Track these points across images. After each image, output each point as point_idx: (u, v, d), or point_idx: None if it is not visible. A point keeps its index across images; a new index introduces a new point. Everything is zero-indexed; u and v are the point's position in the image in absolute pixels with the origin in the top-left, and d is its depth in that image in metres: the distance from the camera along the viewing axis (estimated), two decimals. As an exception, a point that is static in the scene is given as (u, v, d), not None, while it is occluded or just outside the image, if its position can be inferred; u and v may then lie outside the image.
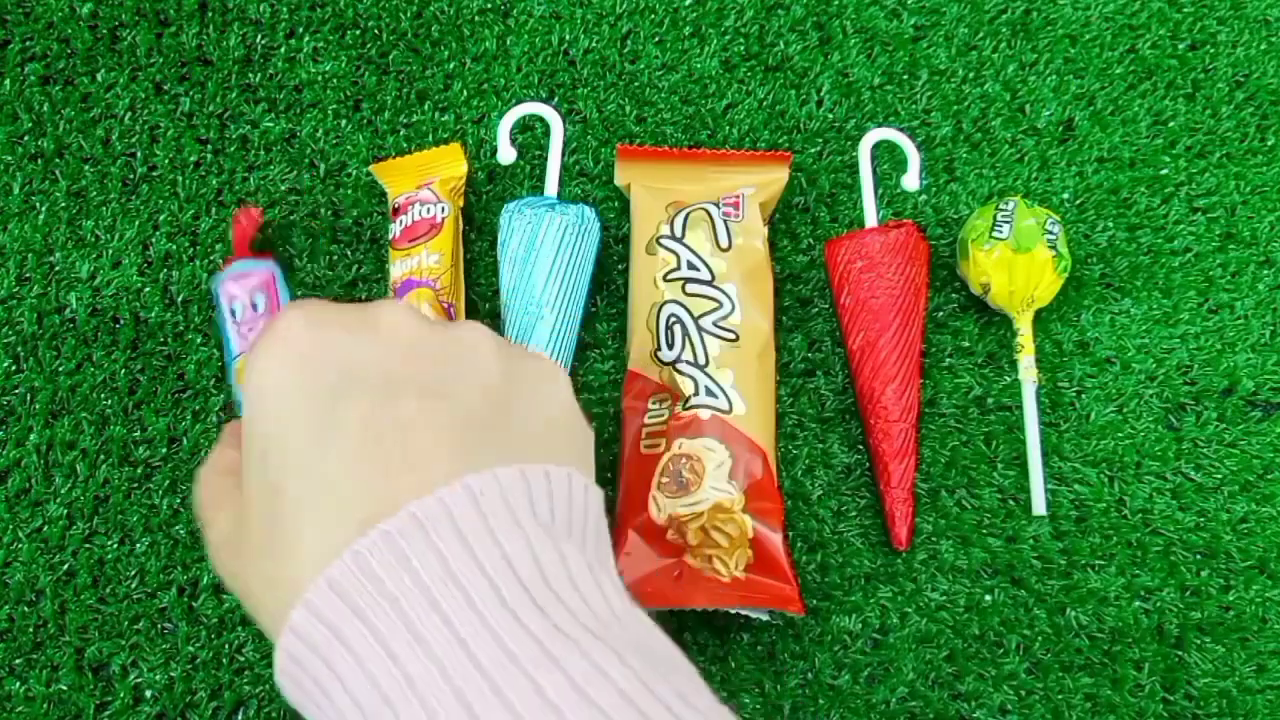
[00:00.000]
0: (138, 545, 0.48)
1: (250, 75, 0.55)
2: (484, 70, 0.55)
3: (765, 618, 0.46)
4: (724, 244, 0.49)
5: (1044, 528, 0.49)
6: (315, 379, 0.26)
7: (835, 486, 0.50)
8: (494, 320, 0.52)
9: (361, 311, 0.29)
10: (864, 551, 0.49)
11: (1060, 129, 0.56)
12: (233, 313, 0.47)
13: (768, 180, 0.51)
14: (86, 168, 0.53)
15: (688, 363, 0.47)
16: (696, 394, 0.47)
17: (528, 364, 0.30)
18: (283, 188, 0.53)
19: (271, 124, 0.54)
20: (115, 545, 0.48)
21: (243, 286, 0.48)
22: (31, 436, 0.50)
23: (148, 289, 0.52)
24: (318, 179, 0.54)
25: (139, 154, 0.54)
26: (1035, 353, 0.51)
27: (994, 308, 0.51)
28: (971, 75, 0.56)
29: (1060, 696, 0.47)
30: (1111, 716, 0.47)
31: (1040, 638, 0.48)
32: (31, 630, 0.47)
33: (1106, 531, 0.49)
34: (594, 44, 0.56)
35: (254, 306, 0.47)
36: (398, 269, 0.50)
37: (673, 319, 0.48)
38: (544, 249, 0.49)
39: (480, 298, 0.52)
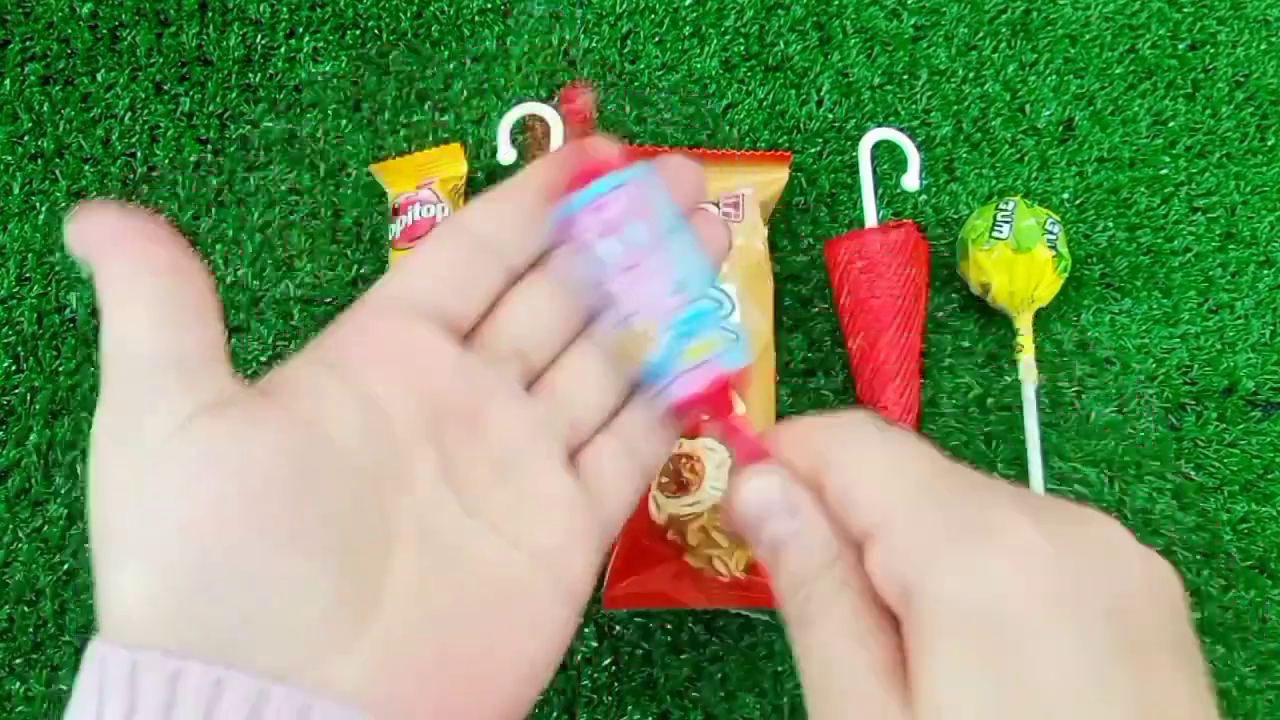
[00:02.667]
0: (138, 545, 0.48)
1: (250, 75, 0.55)
2: (484, 70, 0.55)
3: (765, 618, 0.46)
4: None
5: (1044, 528, 0.49)
6: (1084, 616, 0.19)
7: (835, 486, 0.50)
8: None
9: (1085, 524, 0.21)
10: (864, 551, 0.49)
11: (1060, 129, 0.56)
12: (603, 263, 0.25)
13: (768, 180, 0.51)
14: (86, 168, 0.53)
15: (688, 363, 0.47)
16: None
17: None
18: (283, 188, 0.53)
19: (271, 124, 0.54)
20: (115, 545, 0.48)
21: (605, 217, 0.25)
22: (31, 436, 0.50)
23: (148, 289, 0.52)
24: (318, 179, 0.54)
25: (139, 154, 0.54)
26: (1035, 353, 0.51)
27: (994, 308, 0.51)
28: (971, 75, 0.56)
29: (1060, 696, 0.47)
30: (1111, 716, 0.47)
31: (1040, 638, 0.48)
32: (31, 630, 0.47)
33: (1106, 531, 0.49)
34: (594, 44, 0.56)
35: (631, 241, 0.25)
36: (398, 269, 0.50)
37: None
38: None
39: (480, 298, 0.52)
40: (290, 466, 0.21)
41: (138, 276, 0.22)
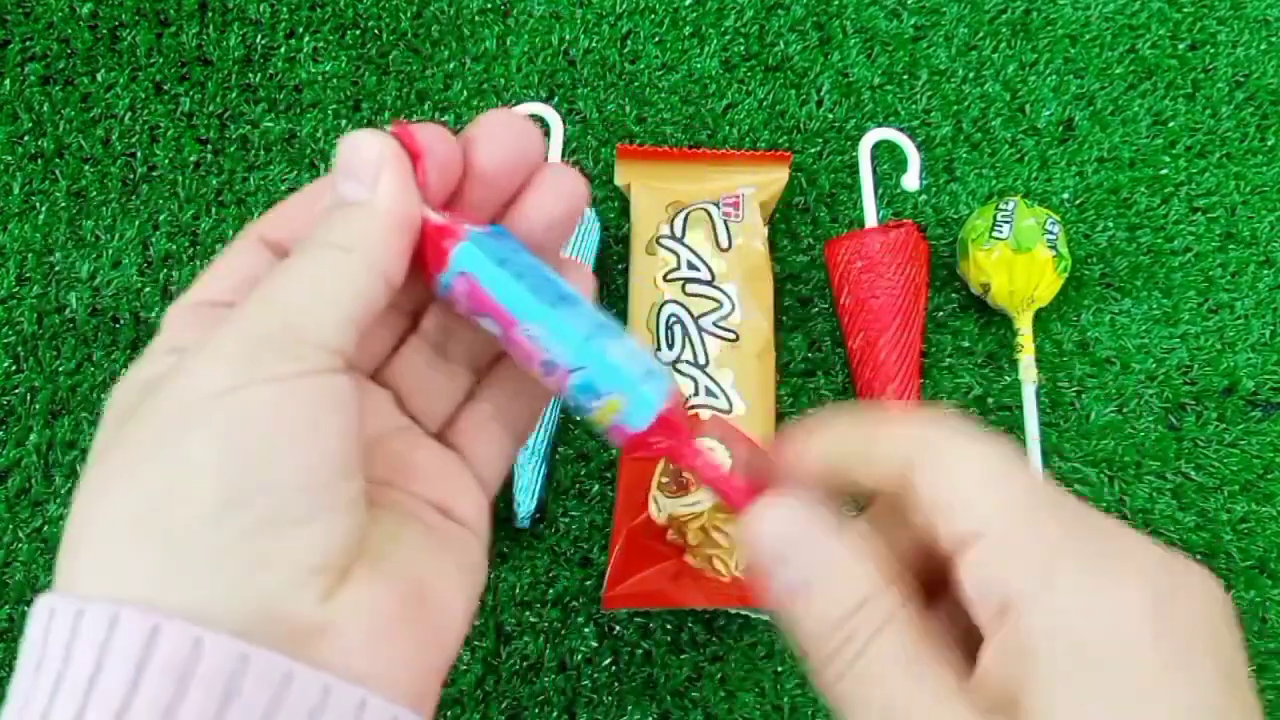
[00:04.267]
0: (138, 545, 0.48)
1: (250, 75, 0.55)
2: (484, 70, 0.55)
3: (765, 618, 0.46)
4: (724, 244, 0.49)
5: (1044, 528, 0.49)
6: (1204, 656, 0.19)
7: (835, 486, 0.50)
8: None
9: (1173, 560, 0.20)
10: (864, 551, 0.49)
11: (1060, 129, 0.56)
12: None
13: (768, 180, 0.51)
14: (86, 168, 0.53)
15: (688, 363, 0.47)
16: (696, 394, 0.47)
17: None
18: (283, 188, 0.53)
19: (271, 124, 0.54)
20: (115, 545, 0.48)
21: (460, 310, 0.25)
22: (31, 436, 0.50)
23: (148, 289, 0.52)
24: (318, 179, 0.54)
25: (139, 154, 0.54)
26: (1035, 353, 0.51)
27: (994, 308, 0.51)
28: (971, 75, 0.56)
29: (1060, 696, 0.47)
30: (1111, 716, 0.47)
31: (1040, 638, 0.48)
32: (31, 630, 0.47)
33: (1106, 531, 0.49)
34: (594, 44, 0.56)
35: (490, 330, 0.25)
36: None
37: (672, 319, 0.48)
38: (544, 249, 0.48)
39: (480, 298, 0.52)
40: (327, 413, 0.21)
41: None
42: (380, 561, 0.21)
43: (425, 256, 0.23)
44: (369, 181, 0.23)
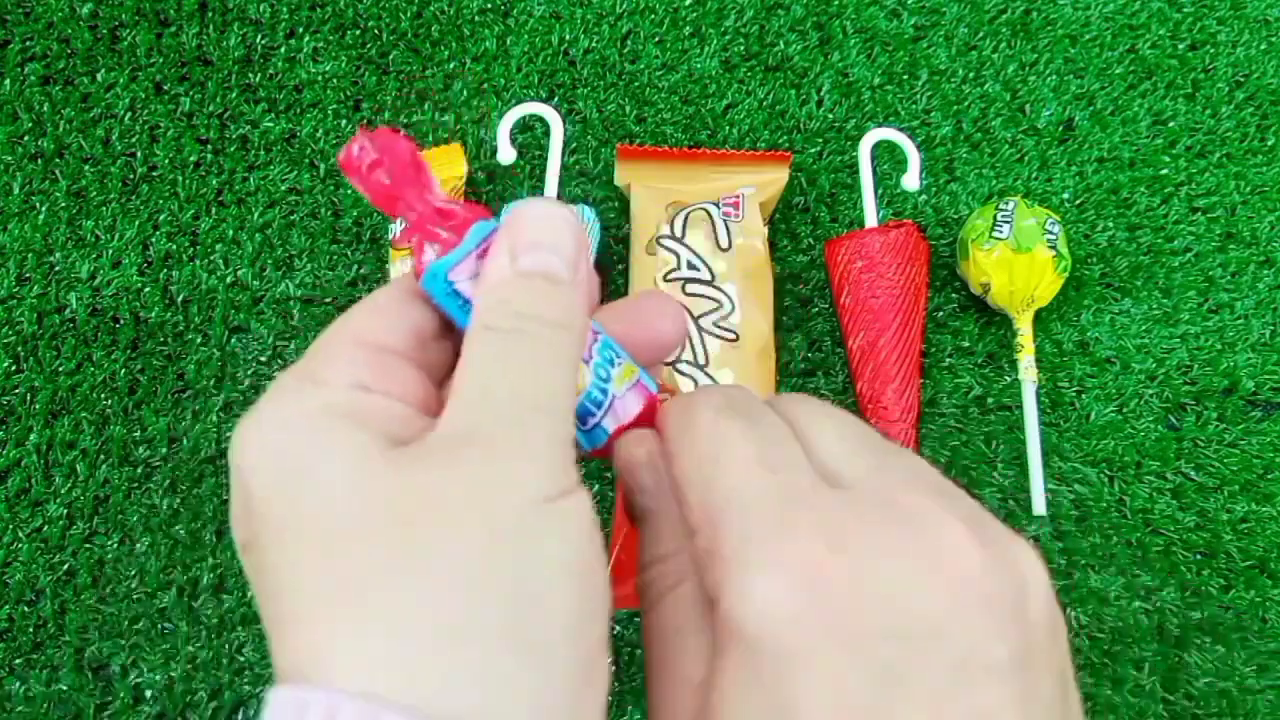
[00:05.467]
0: (138, 545, 0.48)
1: (250, 75, 0.55)
2: (484, 70, 0.55)
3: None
4: (724, 244, 0.49)
5: (1044, 528, 0.49)
6: (858, 648, 0.18)
7: (835, 486, 0.50)
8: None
9: (908, 525, 0.19)
10: (864, 551, 0.49)
11: (1060, 129, 0.55)
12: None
13: (768, 180, 0.51)
14: (86, 168, 0.53)
15: (687, 362, 0.47)
16: (696, 394, 0.47)
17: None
18: (283, 188, 0.53)
19: (271, 124, 0.54)
20: (115, 545, 0.48)
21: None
22: (31, 436, 0.50)
23: (148, 289, 0.52)
24: (318, 179, 0.54)
25: (139, 154, 0.54)
26: (1035, 353, 0.51)
27: (994, 308, 0.51)
28: (971, 75, 0.56)
29: (1060, 696, 0.47)
30: (1111, 716, 0.47)
31: (1040, 638, 0.48)
32: (31, 630, 0.47)
33: (1106, 531, 0.49)
34: (594, 44, 0.56)
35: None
36: (398, 269, 0.50)
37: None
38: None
39: (480, 298, 0.52)
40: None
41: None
42: None
43: (430, 225, 0.23)
44: (571, 258, 0.22)
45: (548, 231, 0.22)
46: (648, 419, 0.24)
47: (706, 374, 0.47)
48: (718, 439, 0.21)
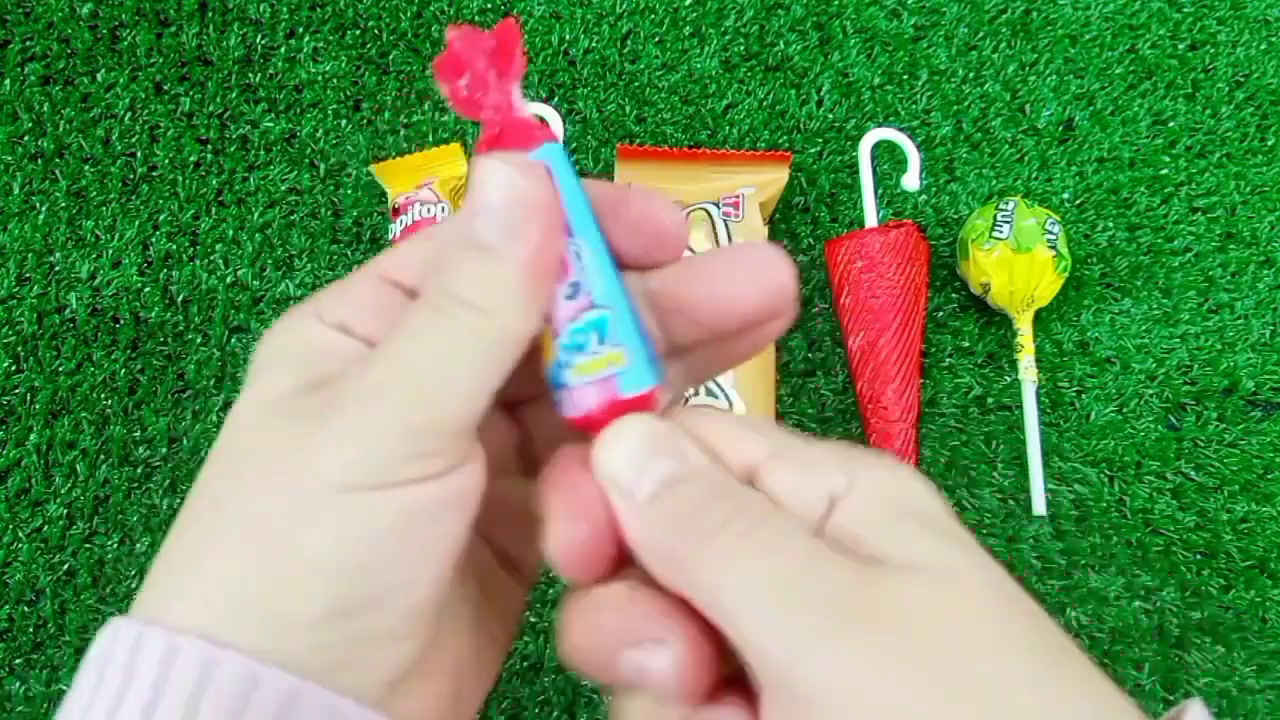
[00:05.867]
0: (138, 545, 0.48)
1: (250, 75, 0.55)
2: (484, 70, 0.55)
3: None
4: (724, 244, 0.49)
5: (1044, 528, 0.49)
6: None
7: (835, 486, 0.50)
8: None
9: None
10: (864, 551, 0.49)
11: (1060, 129, 0.56)
12: None
13: (768, 180, 0.51)
14: (86, 168, 0.53)
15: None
16: (696, 394, 0.47)
17: None
18: (283, 188, 0.53)
19: (271, 124, 0.54)
20: (115, 545, 0.48)
21: None
22: (31, 436, 0.50)
23: (148, 289, 0.52)
24: (318, 179, 0.54)
25: (139, 154, 0.54)
26: (1035, 353, 0.51)
27: (994, 308, 0.51)
28: (971, 75, 0.56)
29: (1060, 696, 0.47)
30: (1111, 716, 0.47)
31: (1040, 638, 0.48)
32: (31, 630, 0.47)
33: (1106, 531, 0.49)
34: (594, 44, 0.56)
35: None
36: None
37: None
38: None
39: (480, 298, 0.52)
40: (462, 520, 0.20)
41: None
42: (428, 664, 0.21)
43: (510, 139, 0.21)
44: (511, 229, 0.19)
45: (492, 195, 0.19)
46: (603, 423, 0.21)
47: (706, 374, 0.47)
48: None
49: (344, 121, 0.54)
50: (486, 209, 0.19)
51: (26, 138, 0.54)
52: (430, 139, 0.54)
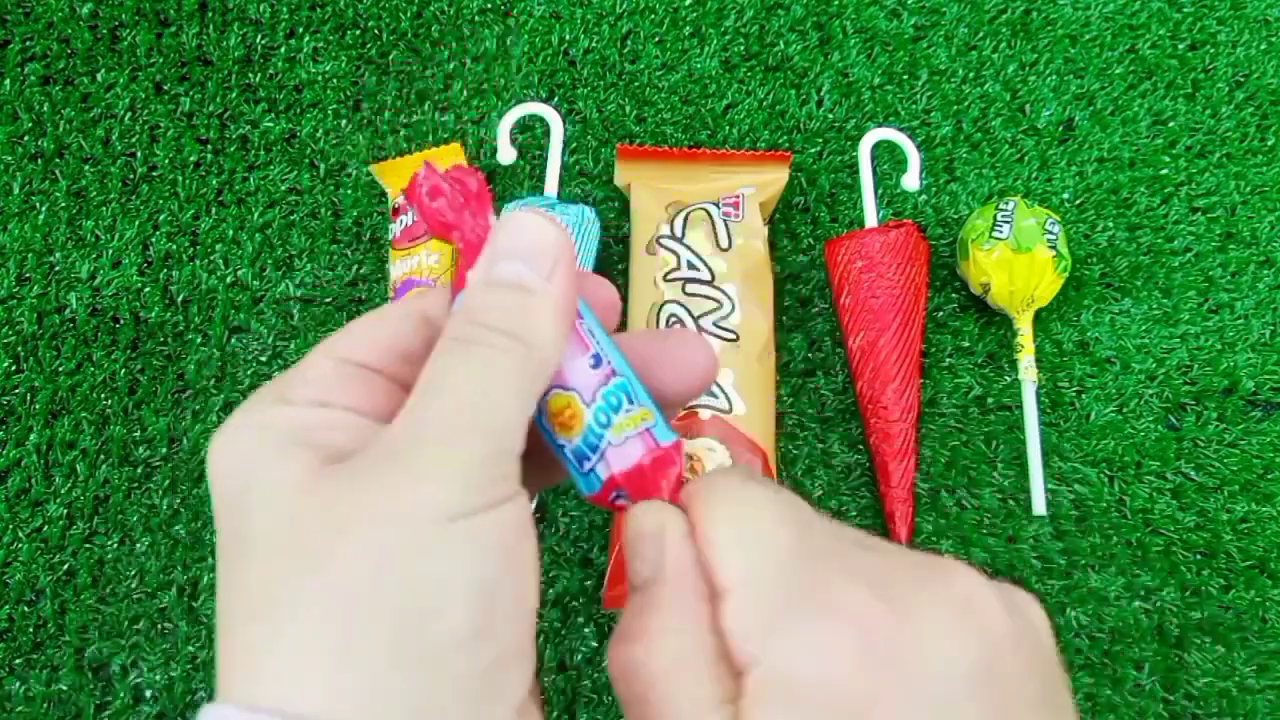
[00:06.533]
0: (138, 545, 0.48)
1: (250, 75, 0.55)
2: (484, 70, 0.55)
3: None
4: (724, 244, 0.49)
5: (1044, 528, 0.49)
6: (918, 692, 0.19)
7: (835, 486, 0.50)
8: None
9: (935, 574, 0.21)
10: (864, 551, 0.49)
11: (1060, 129, 0.56)
12: None
13: (768, 180, 0.51)
14: (86, 168, 0.53)
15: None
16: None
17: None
18: (283, 188, 0.53)
19: (271, 124, 0.54)
20: (115, 545, 0.48)
21: None
22: (31, 436, 0.50)
23: (148, 289, 0.52)
24: (318, 179, 0.54)
25: (139, 154, 0.54)
26: (1035, 353, 0.51)
27: (994, 308, 0.51)
28: (971, 75, 0.56)
29: (1060, 696, 0.47)
30: (1111, 716, 0.47)
31: (1040, 638, 0.48)
32: (31, 630, 0.47)
33: (1106, 531, 0.49)
34: (594, 44, 0.56)
35: None
36: (398, 269, 0.50)
37: (673, 319, 0.48)
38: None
39: (480, 298, 0.52)
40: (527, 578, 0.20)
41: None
42: (534, 688, 0.21)
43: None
44: (545, 270, 0.21)
45: (524, 240, 0.22)
46: (652, 472, 0.23)
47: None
48: (744, 506, 0.22)
49: (344, 121, 0.54)
50: (519, 252, 0.21)
51: (26, 138, 0.54)
52: (430, 139, 0.54)
